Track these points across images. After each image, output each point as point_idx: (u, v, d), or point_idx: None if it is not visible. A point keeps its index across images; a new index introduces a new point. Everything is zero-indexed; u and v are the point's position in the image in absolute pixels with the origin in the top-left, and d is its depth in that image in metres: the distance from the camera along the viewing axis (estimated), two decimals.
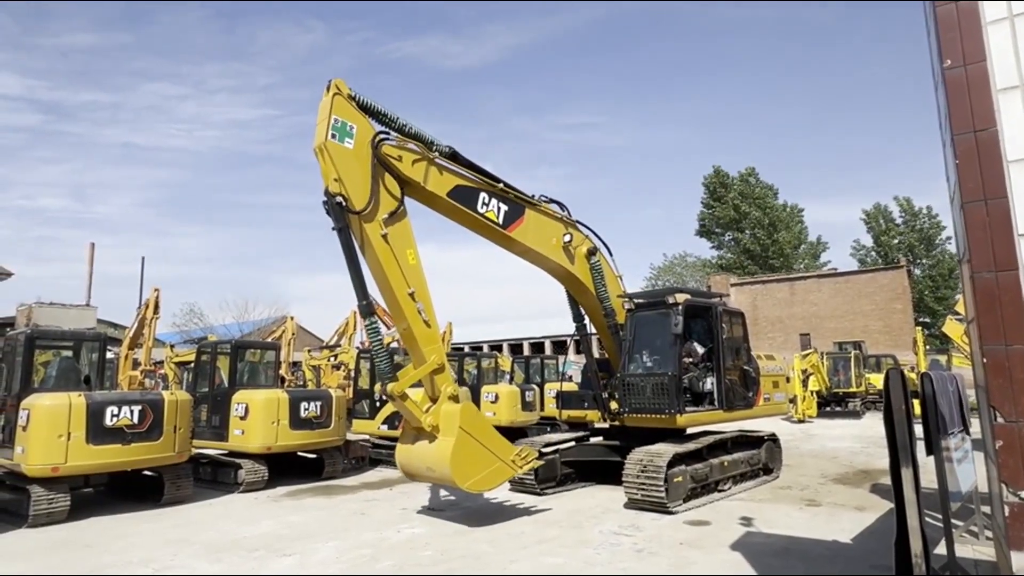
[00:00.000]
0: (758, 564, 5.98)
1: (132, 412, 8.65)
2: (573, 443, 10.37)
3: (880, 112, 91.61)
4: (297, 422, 10.85)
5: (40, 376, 9.24)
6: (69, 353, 9.83)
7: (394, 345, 22.41)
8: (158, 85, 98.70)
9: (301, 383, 24.48)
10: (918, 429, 4.05)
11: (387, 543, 7.02)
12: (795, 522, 7.70)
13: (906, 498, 3.86)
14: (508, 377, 20.64)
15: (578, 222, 9.86)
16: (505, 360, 23.08)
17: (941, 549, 5.00)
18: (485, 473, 7.61)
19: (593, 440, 10.54)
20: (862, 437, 17.27)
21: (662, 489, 8.02)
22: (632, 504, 8.41)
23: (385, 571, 6.05)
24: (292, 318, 24.62)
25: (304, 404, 11.02)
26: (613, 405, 9.70)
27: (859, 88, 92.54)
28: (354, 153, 7.28)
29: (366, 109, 7.57)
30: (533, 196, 9.27)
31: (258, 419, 10.53)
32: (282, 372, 18.66)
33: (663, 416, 8.94)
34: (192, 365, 14.37)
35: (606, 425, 10.27)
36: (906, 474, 3.88)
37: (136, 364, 20.22)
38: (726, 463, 9.57)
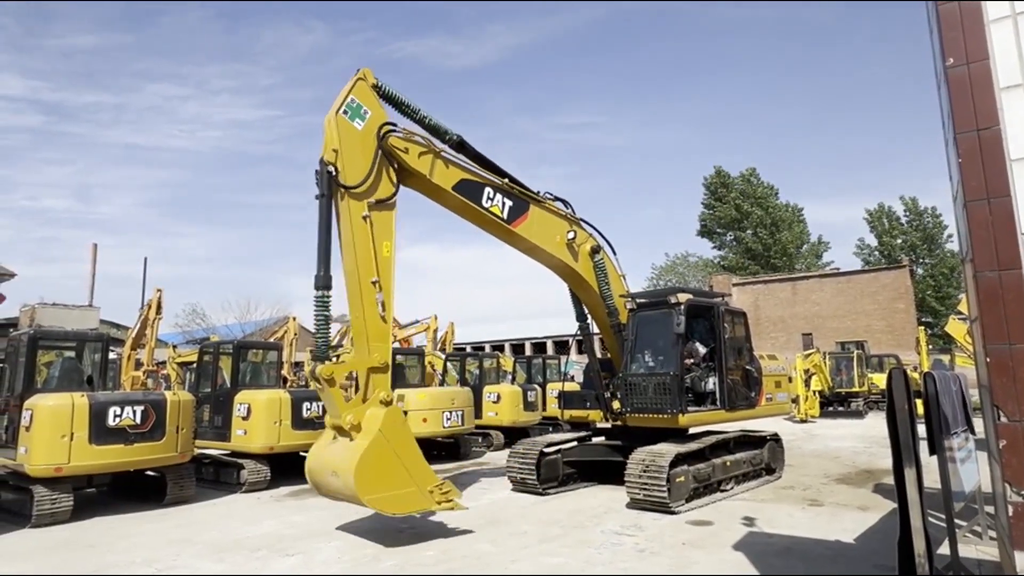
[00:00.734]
0: (761, 564, 5.97)
1: (135, 412, 8.67)
2: (575, 443, 10.36)
3: (881, 112, 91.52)
4: (299, 422, 10.86)
5: (43, 376, 9.26)
6: (72, 354, 9.85)
7: (396, 345, 22.48)
8: (160, 86, 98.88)
9: (303, 383, 24.49)
10: (921, 429, 4.05)
11: (389, 543, 7.02)
12: (798, 522, 7.68)
13: (909, 498, 3.85)
14: (510, 377, 20.63)
15: (582, 220, 9.87)
16: (507, 360, 23.07)
17: (944, 549, 4.99)
18: (394, 493, 6.78)
19: (595, 440, 10.53)
20: (865, 437, 17.23)
21: (664, 489, 8.01)
22: (634, 504, 8.40)
23: (387, 571, 6.06)
24: (294, 318, 24.65)
25: (306, 404, 11.03)
26: (615, 405, 9.69)
27: (860, 88, 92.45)
28: (360, 135, 7.44)
29: (389, 99, 7.88)
30: (538, 192, 9.29)
31: (260, 419, 10.55)
32: (284, 372, 18.68)
33: (665, 416, 8.93)
34: (194, 365, 14.39)
35: (608, 425, 10.26)
36: (909, 474, 3.87)
37: (139, 364, 20.27)
38: (728, 463, 9.55)
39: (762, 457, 10.47)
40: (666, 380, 8.96)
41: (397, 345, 22.83)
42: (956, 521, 5.00)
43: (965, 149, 3.12)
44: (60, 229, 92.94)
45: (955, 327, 22.61)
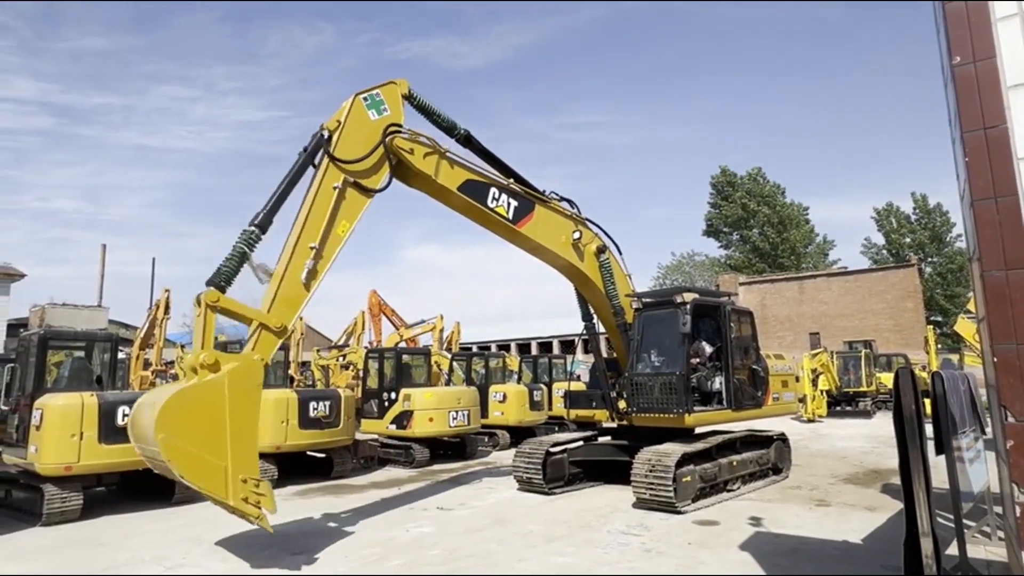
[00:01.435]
0: (767, 564, 5.96)
1: None
2: (581, 442, 10.36)
3: (887, 110, 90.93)
4: (306, 422, 10.91)
5: (53, 376, 9.34)
6: (81, 353, 9.92)
7: (402, 345, 22.53)
8: (169, 88, 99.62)
9: (310, 383, 24.58)
10: (929, 429, 4.03)
11: (395, 542, 7.05)
12: (805, 522, 7.66)
13: (916, 498, 3.84)
14: (516, 376, 20.63)
15: (588, 220, 9.86)
16: (513, 360, 23.07)
17: (953, 550, 4.96)
18: (198, 456, 5.66)
19: (601, 439, 10.53)
20: (873, 437, 17.14)
21: (671, 489, 8.01)
22: (640, 504, 8.40)
23: (393, 570, 6.08)
24: (301, 318, 24.71)
25: (313, 404, 11.08)
26: (621, 404, 9.68)
27: (865, 87, 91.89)
28: (369, 124, 7.58)
29: (422, 109, 8.20)
30: (544, 192, 9.29)
31: (268, 418, 10.57)
32: (291, 372, 18.74)
33: (671, 416, 8.92)
34: None
35: (614, 424, 10.26)
36: (916, 474, 3.86)
37: (147, 364, 20.38)
38: (735, 463, 9.53)
39: (769, 457, 10.44)
40: (672, 380, 8.95)
41: (404, 344, 22.89)
42: (965, 521, 4.96)
43: (972, 148, 3.10)
44: (70, 230, 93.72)
45: (964, 326, 22.44)
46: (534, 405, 16.58)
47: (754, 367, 10.25)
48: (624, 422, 9.85)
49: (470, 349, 27.66)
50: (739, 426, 10.22)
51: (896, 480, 9.48)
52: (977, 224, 3.10)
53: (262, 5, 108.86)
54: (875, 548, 6.49)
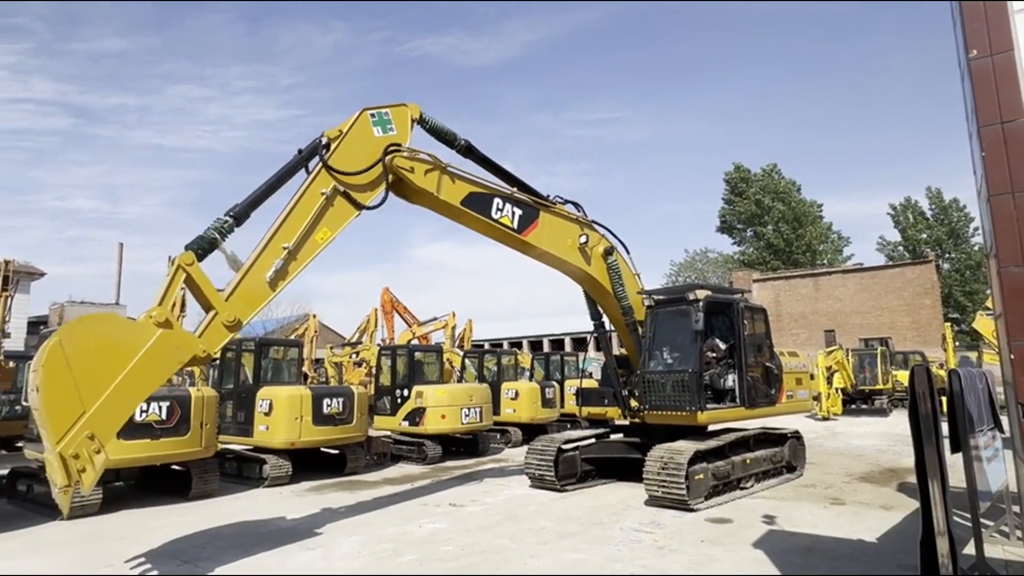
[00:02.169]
0: (781, 562, 5.93)
1: (160, 408, 8.87)
2: (593, 440, 10.36)
3: (903, 106, 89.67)
4: (320, 418, 11.00)
5: None
6: None
7: (415, 342, 22.63)
8: (184, 87, 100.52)
9: (323, 380, 24.78)
10: (945, 427, 3.99)
11: (409, 537, 7.10)
12: (819, 521, 7.61)
13: (932, 496, 3.80)
14: (528, 374, 20.67)
15: (594, 222, 9.80)
16: (525, 357, 23.11)
17: (970, 549, 4.91)
18: (69, 382, 4.98)
19: (613, 437, 10.52)
20: (889, 435, 16.96)
21: (683, 486, 7.98)
22: (653, 501, 8.38)
23: (407, 565, 6.12)
24: (314, 316, 24.94)
25: (327, 400, 11.17)
26: (633, 402, 9.66)
27: (880, 82, 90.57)
28: (373, 141, 7.54)
29: (434, 132, 8.22)
30: (548, 197, 9.23)
31: (282, 415, 10.71)
32: (305, 369, 18.91)
33: (684, 413, 8.89)
34: (217, 362, 14.64)
35: (626, 422, 10.24)
36: (932, 472, 3.82)
37: None
38: (748, 461, 9.48)
39: (783, 455, 10.37)
40: (684, 377, 8.92)
41: (416, 342, 22.99)
42: (982, 521, 4.91)
43: (989, 142, 3.06)
44: (88, 229, 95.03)
45: (983, 323, 22.12)
46: (546, 402, 16.59)
47: (768, 364, 10.19)
48: (636, 420, 9.83)
49: (482, 346, 27.73)
50: (753, 424, 10.16)
51: (912, 479, 9.39)
52: (994, 219, 3.06)
53: (276, 5, 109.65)
54: (891, 547, 6.43)
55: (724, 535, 6.98)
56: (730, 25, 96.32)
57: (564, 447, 9.81)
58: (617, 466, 10.23)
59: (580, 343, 49.73)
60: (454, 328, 24.27)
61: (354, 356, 24.79)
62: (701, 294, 9.49)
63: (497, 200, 8.56)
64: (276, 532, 7.44)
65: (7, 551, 6.82)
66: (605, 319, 10.48)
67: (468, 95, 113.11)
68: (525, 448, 10.60)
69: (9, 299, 14.14)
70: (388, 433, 13.98)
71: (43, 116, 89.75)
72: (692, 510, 8.02)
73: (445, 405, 13.11)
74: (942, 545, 3.74)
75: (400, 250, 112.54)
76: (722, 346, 9.91)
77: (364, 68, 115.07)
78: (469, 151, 8.48)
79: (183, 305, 19.95)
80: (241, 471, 11.08)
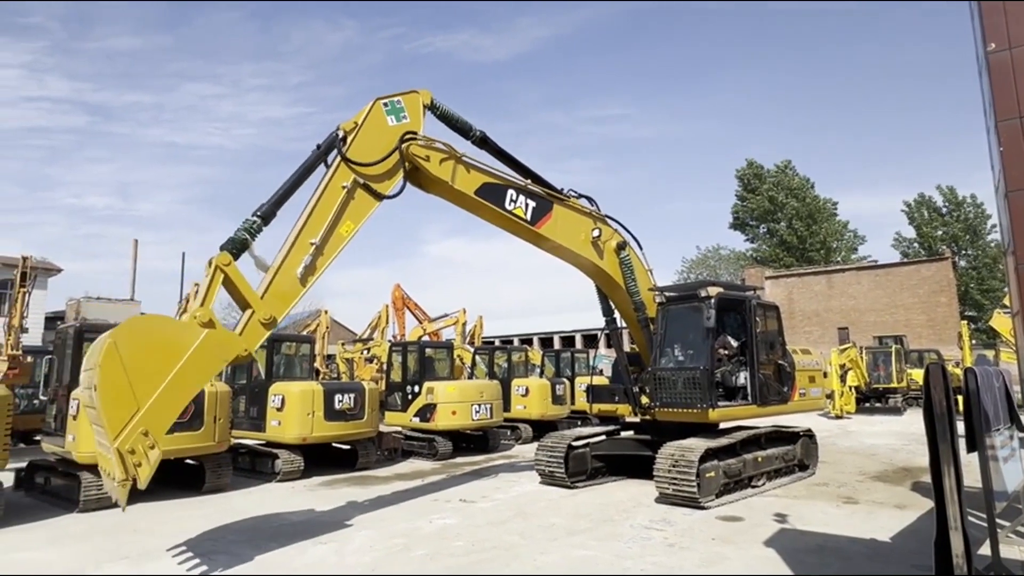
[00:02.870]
0: (793, 562, 5.89)
1: None
2: (603, 437, 10.34)
3: (917, 101, 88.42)
4: (332, 414, 11.08)
5: None
6: None
7: (425, 338, 22.70)
8: (197, 85, 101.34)
9: (335, 376, 24.92)
10: (961, 427, 3.94)
11: (419, 533, 7.13)
12: (831, 519, 7.55)
13: (947, 496, 3.76)
14: (538, 371, 20.66)
15: (607, 216, 9.80)
16: (536, 353, 23.09)
17: (985, 550, 4.85)
18: (125, 381, 5.19)
19: (624, 434, 10.50)
20: (903, 434, 16.79)
21: (694, 484, 7.95)
22: (663, 499, 8.36)
23: (418, 560, 6.16)
24: (326, 312, 25.04)
25: (338, 396, 11.24)
26: (644, 399, 9.63)
27: (894, 76, 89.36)
28: (387, 129, 7.61)
29: (444, 118, 8.25)
30: (562, 190, 9.24)
31: (294, 410, 10.79)
32: (317, 365, 19.03)
33: (695, 410, 8.85)
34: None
35: (637, 419, 10.21)
36: (947, 471, 3.78)
37: None
38: (760, 459, 9.42)
39: (795, 453, 10.30)
40: (696, 375, 8.87)
41: (427, 338, 23.05)
42: (998, 521, 4.85)
43: (1007, 137, 3.01)
44: (104, 226, 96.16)
45: (1000, 321, 21.84)
46: (556, 399, 16.58)
47: (780, 362, 10.10)
48: (647, 417, 9.80)
49: (492, 343, 27.75)
50: (765, 422, 10.10)
51: (926, 478, 9.30)
52: (1012, 215, 3.02)
53: (287, 4, 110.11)
54: (905, 547, 6.37)
55: (735, 533, 6.95)
56: (743, 22, 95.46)
57: (574, 444, 9.81)
58: (627, 463, 10.21)
59: (591, 340, 49.62)
60: (465, 325, 24.29)
61: (365, 352, 24.90)
62: (713, 291, 9.44)
63: (511, 191, 8.59)
64: (288, 526, 7.51)
65: (26, 542, 6.93)
66: (617, 315, 10.46)
67: (478, 92, 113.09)
68: (535, 445, 10.60)
69: (27, 295, 14.36)
70: (399, 429, 14.04)
71: (59, 114, 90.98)
72: (703, 508, 7.99)
73: (456, 401, 13.14)
74: (957, 545, 3.70)
75: (412, 246, 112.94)
76: (734, 343, 9.85)
77: (374, 65, 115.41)
78: (484, 142, 8.55)
79: (192, 299, 20.13)
80: (254, 466, 11.19)
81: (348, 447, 11.97)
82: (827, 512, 7.95)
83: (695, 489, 7.95)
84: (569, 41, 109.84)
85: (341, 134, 7.30)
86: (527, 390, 16.19)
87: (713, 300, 9.22)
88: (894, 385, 24.63)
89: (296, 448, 10.85)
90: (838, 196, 72.59)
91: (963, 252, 53.39)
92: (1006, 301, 20.90)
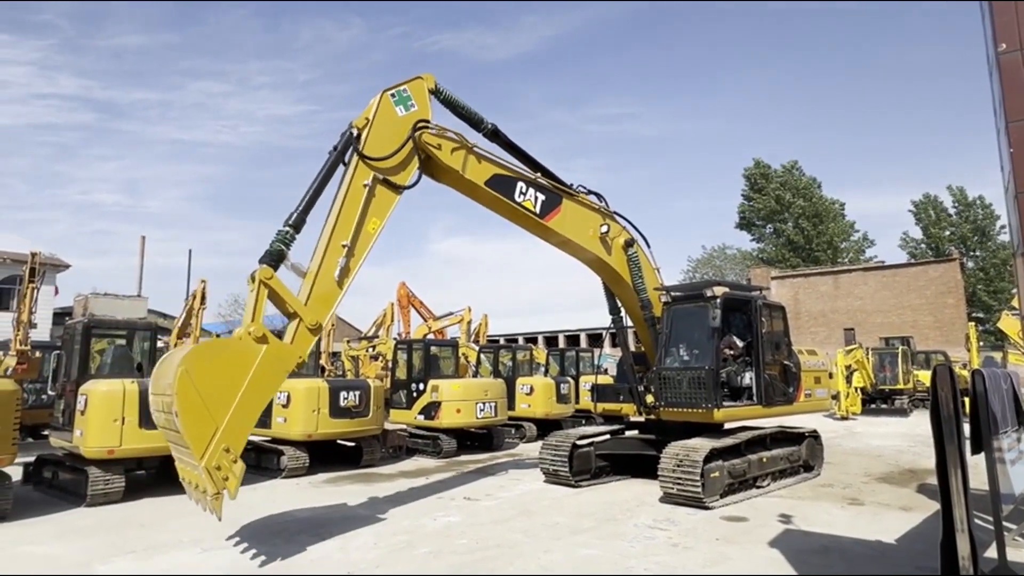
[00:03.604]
0: (797, 562, 5.88)
1: None
2: (608, 436, 10.34)
3: (925, 101, 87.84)
4: (337, 411, 11.11)
5: (96, 363, 9.68)
6: (123, 341, 10.26)
7: (430, 336, 22.73)
8: (204, 83, 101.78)
9: (340, 373, 24.99)
10: (967, 429, 3.92)
11: (423, 530, 7.15)
12: (836, 520, 7.53)
13: (953, 497, 3.75)
14: (543, 369, 20.66)
15: (616, 213, 9.80)
16: (540, 352, 23.08)
17: (992, 552, 4.83)
18: (201, 403, 5.53)
19: (628, 433, 10.49)
20: (909, 435, 16.72)
21: (698, 484, 7.94)
22: (667, 498, 8.35)
23: (422, 558, 6.18)
24: None
25: (343, 393, 11.28)
26: (649, 399, 9.62)
27: (903, 76, 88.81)
28: (398, 120, 7.66)
29: (448, 103, 8.25)
30: (572, 186, 9.26)
31: (300, 407, 10.83)
32: (322, 362, 19.08)
33: (700, 410, 8.83)
34: None
35: (641, 419, 10.20)
36: (953, 473, 3.76)
37: None
38: (765, 459, 9.40)
39: (800, 454, 10.27)
40: (701, 374, 8.86)
41: (432, 336, 23.07)
42: (1005, 524, 4.82)
43: (1017, 138, 2.99)
44: (111, 223, 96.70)
45: (1008, 323, 21.71)
46: (561, 398, 16.58)
47: (786, 363, 10.08)
48: (652, 416, 9.78)
49: (497, 341, 27.76)
50: (770, 422, 10.07)
51: (933, 480, 9.25)
52: (1021, 217, 3.00)
53: (294, 3, 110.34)
54: (910, 549, 6.35)
55: (739, 534, 6.93)
56: (749, 21, 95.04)
57: (579, 443, 9.81)
58: (632, 463, 10.20)
59: (596, 339, 49.61)
60: (470, 323, 24.29)
61: (370, 350, 24.94)
62: (719, 291, 9.42)
63: (521, 184, 8.63)
64: (293, 523, 7.54)
65: (34, 536, 6.99)
66: (624, 314, 10.45)
67: (485, 90, 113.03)
68: (539, 443, 10.62)
69: (36, 291, 14.46)
70: (404, 426, 14.08)
71: (67, 111, 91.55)
72: (707, 508, 7.98)
73: (460, 399, 13.16)
74: (963, 547, 3.69)
75: (417, 245, 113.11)
76: (740, 343, 9.83)
77: (381, 64, 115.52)
78: (496, 135, 8.60)
79: (203, 298, 20.26)
80: (259, 462, 11.23)
81: (353, 444, 12.01)
82: (832, 513, 7.93)
83: (699, 489, 7.94)
84: (574, 40, 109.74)
85: (355, 132, 7.33)
86: (532, 389, 16.20)
87: (719, 300, 9.20)
88: (900, 386, 24.53)
89: (301, 445, 10.90)
90: (845, 196, 72.39)
91: (972, 253, 53.05)
92: (1014, 303, 20.79)
